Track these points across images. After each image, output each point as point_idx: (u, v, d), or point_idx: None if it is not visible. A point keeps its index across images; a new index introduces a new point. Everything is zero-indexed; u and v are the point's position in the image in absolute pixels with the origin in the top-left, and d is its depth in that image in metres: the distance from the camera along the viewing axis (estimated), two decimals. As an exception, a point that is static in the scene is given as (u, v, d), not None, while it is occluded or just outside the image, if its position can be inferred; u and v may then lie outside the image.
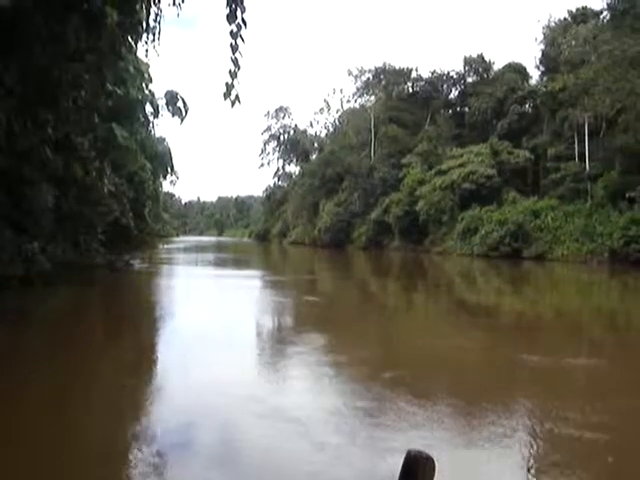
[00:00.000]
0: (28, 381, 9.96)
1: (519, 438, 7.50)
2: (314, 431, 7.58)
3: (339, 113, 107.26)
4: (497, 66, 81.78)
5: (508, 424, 7.99)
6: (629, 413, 8.71)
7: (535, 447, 7.19)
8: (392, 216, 72.86)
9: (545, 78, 70.12)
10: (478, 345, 13.93)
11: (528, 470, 6.50)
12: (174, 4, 13.00)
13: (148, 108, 29.35)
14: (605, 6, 55.32)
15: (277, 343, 14.19)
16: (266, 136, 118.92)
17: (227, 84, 8.62)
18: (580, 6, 68.11)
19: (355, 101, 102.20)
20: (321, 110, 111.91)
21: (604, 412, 8.65)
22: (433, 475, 3.01)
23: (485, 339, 14.87)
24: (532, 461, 6.78)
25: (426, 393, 9.61)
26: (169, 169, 42.63)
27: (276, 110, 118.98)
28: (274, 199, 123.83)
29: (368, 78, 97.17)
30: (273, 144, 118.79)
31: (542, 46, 71.52)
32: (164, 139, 45.47)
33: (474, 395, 9.75)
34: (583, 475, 6.46)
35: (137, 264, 37.65)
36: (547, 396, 9.48)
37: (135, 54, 21.70)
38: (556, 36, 65.92)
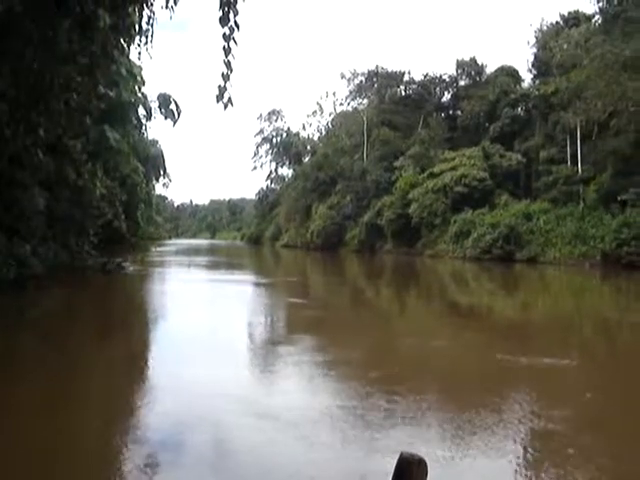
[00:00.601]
0: (19, 384, 9.94)
1: (489, 430, 7.83)
2: (303, 428, 7.77)
3: (332, 116, 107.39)
4: (489, 69, 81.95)
5: (482, 418, 8.25)
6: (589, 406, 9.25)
7: (505, 438, 7.48)
8: (385, 219, 72.78)
9: (537, 81, 70.21)
10: (461, 347, 14.07)
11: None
12: (167, 7, 12.99)
13: (141, 111, 29.50)
14: (597, 10, 55.65)
15: (269, 345, 14.20)
16: (259, 139, 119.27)
17: (220, 87, 8.62)
18: (572, 10, 68.34)
19: (348, 104, 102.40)
20: (314, 113, 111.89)
21: (567, 406, 9.10)
22: (425, 478, 3.02)
23: (469, 341, 14.98)
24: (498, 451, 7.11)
25: (409, 391, 9.71)
26: (162, 172, 42.76)
27: (269, 113, 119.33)
28: (267, 202, 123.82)
29: (361, 81, 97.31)
30: (266, 147, 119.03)
31: (534, 49, 71.57)
32: (157, 142, 45.61)
33: (452, 392, 10.07)
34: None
35: (129, 267, 37.53)
36: (521, 393, 9.94)
37: (128, 57, 21.71)
38: (548, 40, 65.99)
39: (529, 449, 7.31)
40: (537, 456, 7.05)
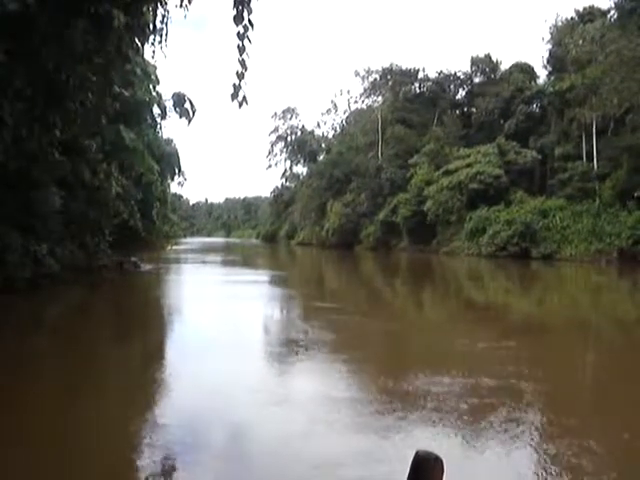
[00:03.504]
0: (34, 380, 10.02)
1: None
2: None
3: (346, 114, 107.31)
4: (504, 66, 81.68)
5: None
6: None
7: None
8: (400, 216, 72.68)
9: (552, 78, 69.74)
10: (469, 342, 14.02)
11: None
12: (181, 5, 13.00)
13: (155, 110, 29.58)
14: (612, 5, 55.22)
15: (287, 352, 14.24)
16: (273, 137, 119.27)
17: (234, 85, 8.61)
18: (587, 5, 67.85)
19: (362, 102, 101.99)
20: (328, 111, 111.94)
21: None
22: (442, 476, 3.00)
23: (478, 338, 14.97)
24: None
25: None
26: (177, 170, 42.80)
27: (283, 111, 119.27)
28: (281, 200, 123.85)
29: (375, 79, 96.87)
30: (280, 145, 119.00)
31: (549, 45, 71.10)
32: (171, 140, 45.66)
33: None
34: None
35: (145, 266, 37.69)
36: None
37: (142, 56, 21.76)
38: (563, 36, 65.54)
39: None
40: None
